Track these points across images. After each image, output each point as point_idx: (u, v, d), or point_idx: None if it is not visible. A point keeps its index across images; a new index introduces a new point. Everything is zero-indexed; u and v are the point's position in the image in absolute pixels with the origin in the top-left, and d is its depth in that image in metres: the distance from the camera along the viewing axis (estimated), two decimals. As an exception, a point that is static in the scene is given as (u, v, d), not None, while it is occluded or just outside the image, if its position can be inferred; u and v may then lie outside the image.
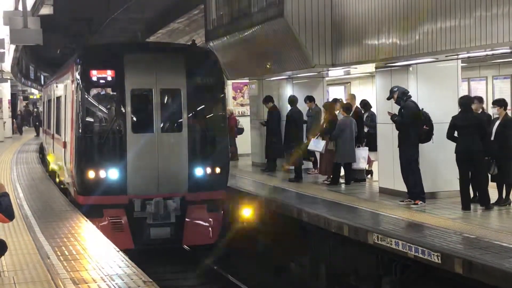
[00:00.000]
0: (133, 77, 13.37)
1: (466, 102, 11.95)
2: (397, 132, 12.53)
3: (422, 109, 12.30)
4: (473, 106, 12.33)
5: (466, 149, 11.58)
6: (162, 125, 13.46)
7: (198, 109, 13.92)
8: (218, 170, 13.72)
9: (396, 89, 12.43)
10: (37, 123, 43.17)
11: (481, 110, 12.81)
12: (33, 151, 28.36)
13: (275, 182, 16.63)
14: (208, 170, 13.58)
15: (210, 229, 13.67)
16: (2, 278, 7.84)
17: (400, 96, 12.33)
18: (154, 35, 32.69)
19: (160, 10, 27.69)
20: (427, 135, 12.30)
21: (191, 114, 13.65)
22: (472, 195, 11.97)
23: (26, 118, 52.21)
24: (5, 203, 7.14)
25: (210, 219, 13.66)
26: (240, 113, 24.73)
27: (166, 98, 13.73)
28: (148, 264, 11.07)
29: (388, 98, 12.60)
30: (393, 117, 12.42)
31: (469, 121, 11.62)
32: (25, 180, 17.90)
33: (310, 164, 17.99)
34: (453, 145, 12.74)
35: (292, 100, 17.16)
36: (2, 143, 34.09)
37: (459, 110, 11.91)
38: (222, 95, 14.52)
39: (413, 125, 12.18)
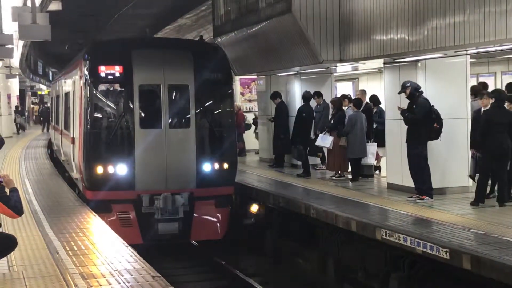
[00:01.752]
0: (141, 72, 13.39)
1: (502, 97, 11.71)
2: (405, 127, 12.49)
3: (433, 106, 12.23)
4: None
5: (500, 146, 11.35)
6: (170, 120, 13.49)
7: (206, 104, 13.94)
8: (226, 165, 13.75)
9: (408, 84, 12.35)
10: (49, 118, 43.30)
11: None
12: (41, 147, 28.44)
13: (282, 177, 16.64)
14: (216, 165, 13.61)
15: (218, 224, 13.70)
16: (12, 273, 7.88)
17: (413, 91, 12.26)
18: (162, 31, 32.70)
19: (167, 5, 27.69)
20: (436, 133, 12.23)
21: (199, 110, 13.67)
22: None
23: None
24: (14, 199, 7.17)
25: (218, 215, 13.69)
26: (248, 108, 24.73)
27: (174, 94, 13.76)
28: (156, 259, 11.10)
29: (399, 93, 12.52)
30: (403, 112, 12.35)
31: (504, 118, 11.37)
32: (34, 176, 17.96)
33: (318, 160, 17.98)
34: (462, 140, 12.73)
35: (306, 97, 17.12)
36: (11, 138, 34.17)
37: (493, 104, 11.66)
38: (230, 90, 14.53)
39: (424, 122, 12.12)
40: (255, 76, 22.50)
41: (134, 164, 13.14)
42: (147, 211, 13.15)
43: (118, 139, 13.45)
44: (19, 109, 47.10)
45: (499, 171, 11.59)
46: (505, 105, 11.73)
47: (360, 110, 15.57)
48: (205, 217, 13.62)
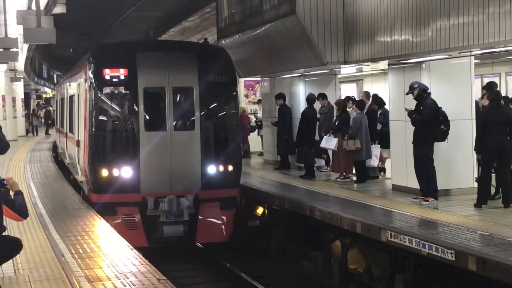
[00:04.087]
0: (145, 75, 13.40)
1: (497, 97, 11.74)
2: (411, 129, 12.47)
3: (440, 107, 12.21)
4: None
5: (496, 146, 11.37)
6: (174, 123, 13.49)
7: (210, 107, 13.93)
8: (230, 168, 13.74)
9: (416, 85, 12.30)
10: (49, 121, 43.38)
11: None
12: (46, 150, 28.48)
13: (287, 179, 16.62)
14: (221, 168, 13.60)
15: (223, 227, 13.68)
16: (17, 276, 7.90)
17: (420, 92, 12.22)
18: (166, 34, 32.75)
19: (172, 8, 27.72)
20: (443, 135, 12.22)
21: (203, 112, 13.65)
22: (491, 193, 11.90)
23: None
24: (19, 202, 7.17)
25: (223, 217, 13.67)
26: (252, 111, 24.73)
27: (179, 96, 13.77)
28: (161, 261, 11.09)
29: (407, 93, 12.49)
30: (410, 114, 12.32)
31: (500, 118, 11.39)
32: (39, 179, 17.98)
33: (322, 162, 17.96)
34: (467, 142, 12.71)
35: (311, 99, 17.09)
36: (16, 142, 34.22)
37: (489, 105, 11.69)
38: (235, 93, 14.53)
39: (431, 124, 12.10)
40: (259, 78, 22.51)
41: (139, 166, 13.14)
42: (152, 213, 13.15)
43: (123, 142, 13.48)
44: (36, 112, 47.32)
45: (502, 172, 11.58)
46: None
47: (364, 112, 15.52)
48: (210, 219, 13.60)
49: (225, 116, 14.21)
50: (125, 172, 13.14)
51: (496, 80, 18.73)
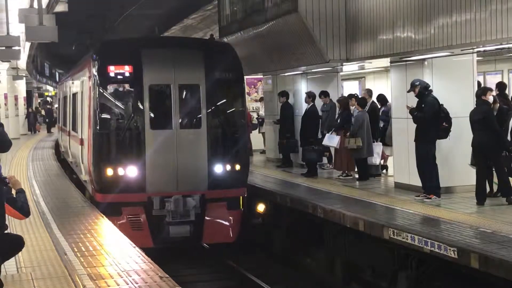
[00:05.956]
0: (151, 72, 13.20)
1: (477, 95, 11.84)
2: (413, 126, 12.48)
3: (442, 105, 12.21)
4: (489, 99, 12.27)
5: (477, 143, 11.50)
6: (180, 121, 13.27)
7: (217, 104, 13.69)
8: (238, 167, 13.48)
9: (418, 82, 12.29)
10: (52, 120, 43.48)
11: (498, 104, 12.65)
12: (49, 148, 28.51)
13: (289, 177, 16.62)
14: (228, 167, 13.35)
15: (230, 227, 13.48)
16: (20, 274, 7.91)
17: (422, 90, 12.21)
18: (168, 31, 32.76)
19: (174, 6, 27.74)
20: (445, 132, 12.23)
21: (210, 110, 13.39)
22: (488, 190, 11.92)
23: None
24: (21, 200, 7.18)
25: (230, 217, 13.44)
26: (254, 108, 24.73)
27: (185, 93, 13.53)
28: (164, 260, 11.09)
29: (408, 91, 12.49)
30: (411, 111, 12.32)
31: (477, 115, 11.51)
32: (41, 177, 17.99)
33: (325, 159, 17.96)
34: (469, 139, 12.72)
35: (314, 96, 17.09)
36: (18, 140, 34.27)
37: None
38: (242, 89, 14.39)
39: (433, 121, 12.10)
40: (261, 76, 22.51)
41: (145, 165, 12.92)
42: (158, 213, 12.93)
43: (128, 140, 13.26)
44: (39, 109, 47.55)
45: (495, 168, 11.61)
46: (483, 98, 11.71)
47: (366, 110, 15.52)
48: (217, 219, 13.41)
49: (233, 113, 13.92)
50: (130, 171, 12.95)
51: (498, 77, 18.73)
